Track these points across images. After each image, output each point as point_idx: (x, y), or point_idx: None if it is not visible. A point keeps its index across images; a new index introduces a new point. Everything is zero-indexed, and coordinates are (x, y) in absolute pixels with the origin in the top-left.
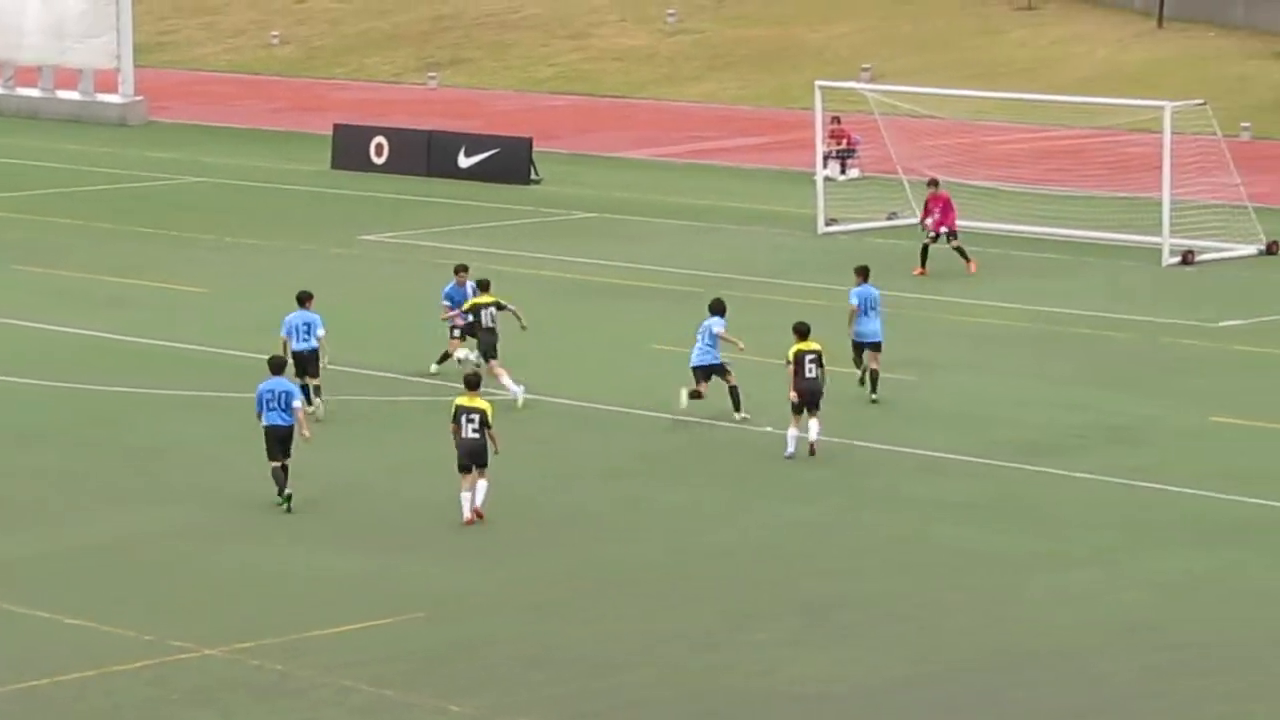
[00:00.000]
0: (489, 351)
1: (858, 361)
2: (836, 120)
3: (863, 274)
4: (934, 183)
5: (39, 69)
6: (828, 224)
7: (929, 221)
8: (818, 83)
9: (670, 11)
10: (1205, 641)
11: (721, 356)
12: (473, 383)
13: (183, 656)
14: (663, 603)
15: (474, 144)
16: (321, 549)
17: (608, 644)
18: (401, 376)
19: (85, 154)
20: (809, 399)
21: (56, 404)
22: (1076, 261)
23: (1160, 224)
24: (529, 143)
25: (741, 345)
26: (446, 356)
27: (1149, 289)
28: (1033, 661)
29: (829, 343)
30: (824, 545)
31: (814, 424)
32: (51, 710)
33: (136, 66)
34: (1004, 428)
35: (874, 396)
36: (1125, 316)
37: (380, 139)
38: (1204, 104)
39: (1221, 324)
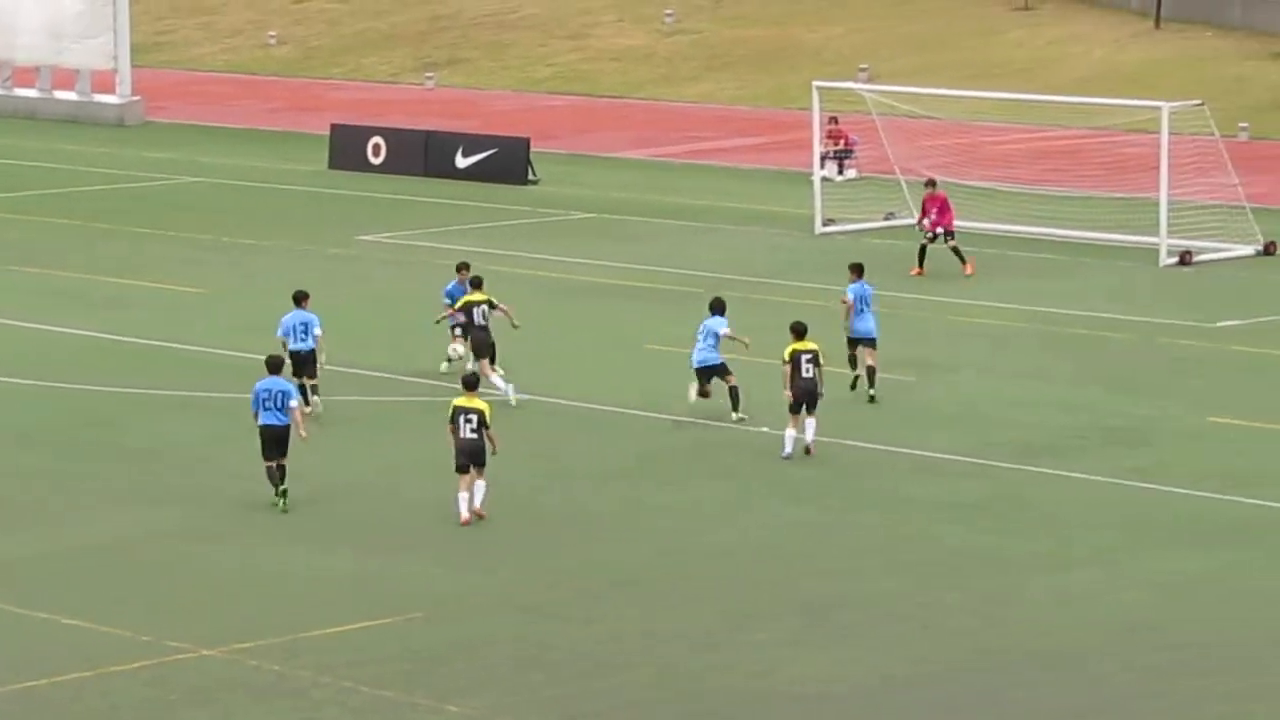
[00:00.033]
0: (480, 349)
1: (852, 361)
2: (834, 120)
3: (857, 271)
4: (931, 183)
5: (36, 69)
6: (825, 224)
7: (926, 222)
8: (815, 83)
9: (668, 12)
10: (1205, 641)
11: (722, 356)
12: (471, 383)
13: (181, 657)
14: (662, 603)
15: (471, 144)
16: (320, 549)
17: (607, 644)
18: (400, 377)
19: (82, 154)
20: (806, 399)
21: (54, 404)
22: (1074, 262)
23: (1158, 224)
24: (526, 143)
25: (747, 341)
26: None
27: (1147, 289)
28: (1032, 662)
29: (826, 343)
30: (823, 545)
31: (811, 424)
32: (49, 711)
33: (134, 67)
34: (1002, 428)
35: (871, 391)
36: (1123, 317)
37: (378, 139)
38: (1201, 104)
39: (1219, 324)
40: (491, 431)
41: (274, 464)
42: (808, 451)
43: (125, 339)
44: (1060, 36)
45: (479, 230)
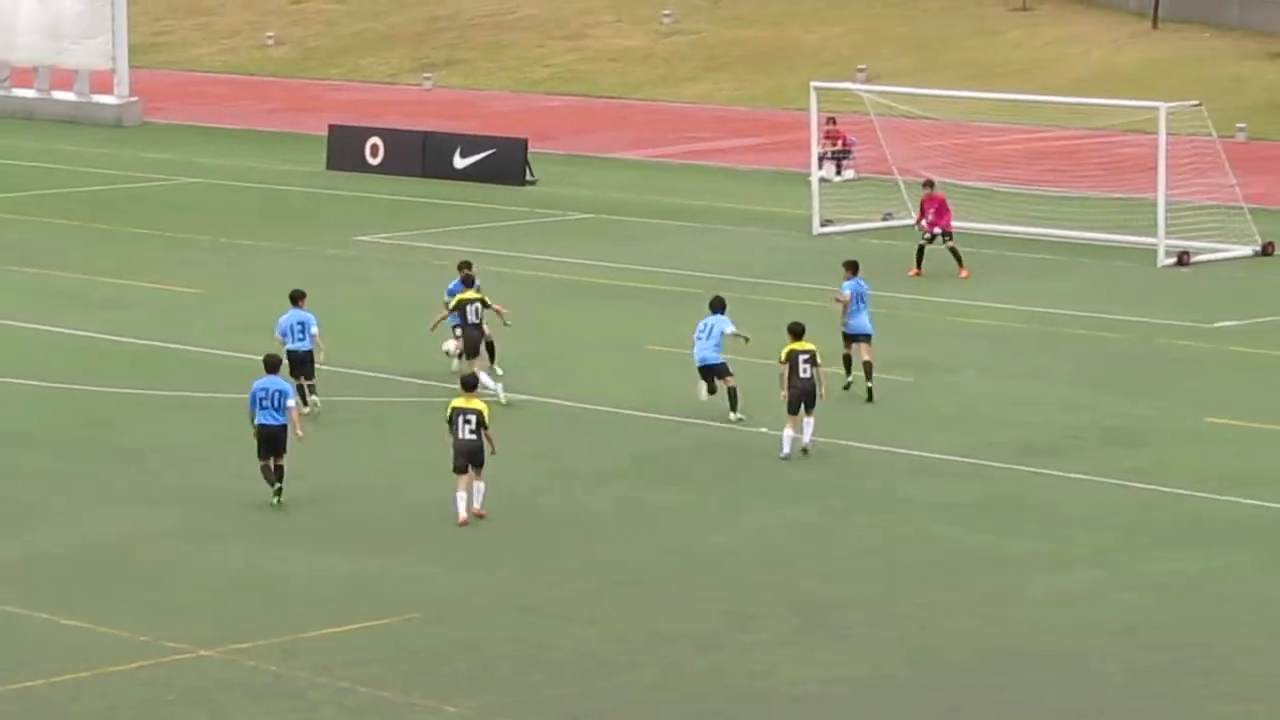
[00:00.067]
0: (472, 348)
1: (846, 361)
2: (832, 121)
3: (852, 268)
4: (929, 183)
5: (34, 70)
6: (823, 225)
7: (924, 222)
8: (813, 83)
9: (666, 12)
10: (1205, 641)
11: (723, 356)
12: (470, 384)
13: (178, 657)
14: (663, 603)
15: (469, 145)
16: (318, 549)
17: (608, 644)
18: (398, 377)
19: (81, 155)
20: (804, 399)
21: (52, 404)
22: (1072, 262)
23: (1156, 225)
24: (524, 143)
25: (747, 337)
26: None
27: (1144, 290)
28: (1032, 662)
29: (824, 343)
30: (823, 546)
31: (809, 424)
32: (47, 711)
33: (132, 67)
34: (1000, 428)
35: (870, 384)
36: (1121, 317)
37: (375, 140)
38: (1199, 105)
39: (1217, 325)
40: (490, 432)
41: (269, 463)
42: (805, 452)
43: (123, 339)
44: (1058, 37)
45: (477, 231)
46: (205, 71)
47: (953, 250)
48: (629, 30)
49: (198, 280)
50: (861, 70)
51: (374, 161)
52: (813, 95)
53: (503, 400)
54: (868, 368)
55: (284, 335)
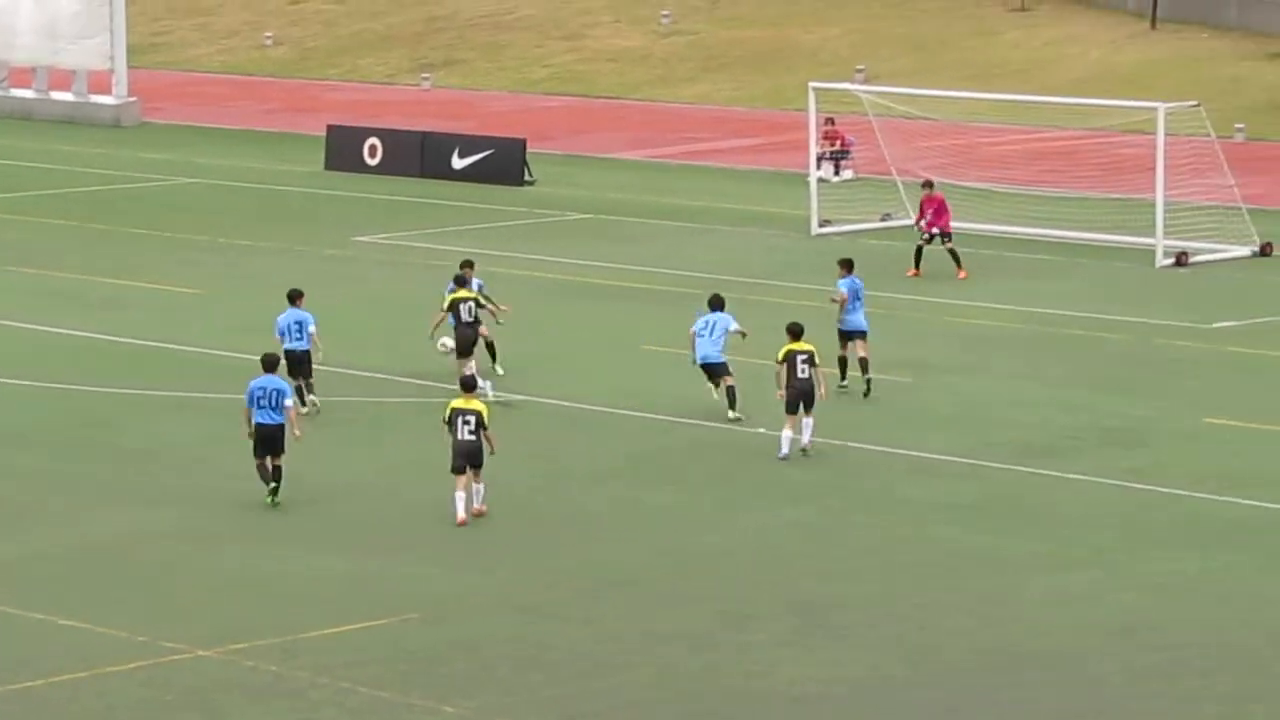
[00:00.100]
0: (464, 347)
1: (842, 362)
2: (830, 121)
3: (847, 266)
4: (928, 184)
5: (33, 70)
6: (821, 225)
7: (923, 223)
8: (812, 84)
9: (664, 13)
10: (1203, 641)
11: (724, 355)
12: (469, 385)
13: (177, 658)
14: (660, 603)
15: (468, 145)
16: (316, 550)
17: (605, 644)
18: (396, 378)
19: (79, 155)
20: (803, 399)
21: (50, 405)
22: (1070, 263)
23: (1154, 225)
24: (523, 144)
25: (745, 332)
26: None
27: (1143, 290)
28: (1030, 662)
29: (822, 344)
30: (821, 546)
31: (808, 425)
32: (46, 711)
33: (130, 67)
34: (998, 429)
35: (868, 377)
36: (1119, 318)
37: (374, 140)
38: (1198, 105)
39: (1215, 325)
40: (489, 432)
41: (264, 462)
42: (805, 453)
43: (122, 339)
44: (1056, 37)
45: (475, 231)
46: (203, 72)
47: (951, 251)
48: (627, 30)
49: (196, 280)
50: (860, 71)
51: (372, 162)
52: (811, 96)
53: (490, 397)
54: (864, 363)
55: (282, 334)
